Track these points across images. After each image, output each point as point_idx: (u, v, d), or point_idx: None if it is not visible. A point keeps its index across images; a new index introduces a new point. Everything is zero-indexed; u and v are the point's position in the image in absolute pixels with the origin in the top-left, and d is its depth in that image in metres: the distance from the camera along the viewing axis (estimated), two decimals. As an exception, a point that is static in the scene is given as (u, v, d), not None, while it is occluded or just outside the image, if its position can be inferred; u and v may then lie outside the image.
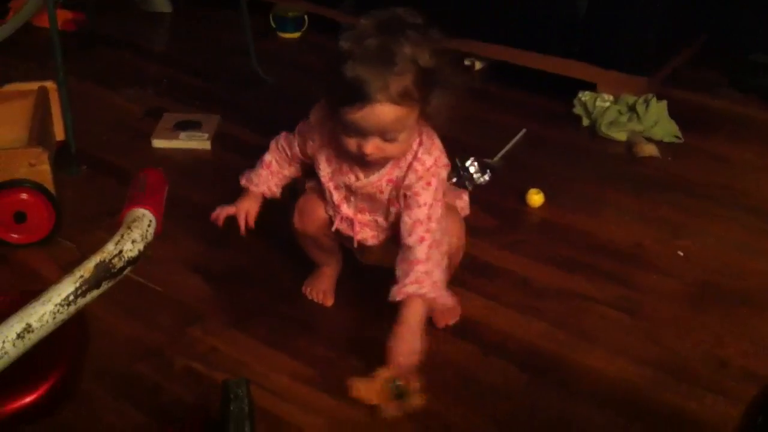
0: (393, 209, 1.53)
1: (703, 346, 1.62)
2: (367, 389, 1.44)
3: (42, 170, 1.81)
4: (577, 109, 2.48)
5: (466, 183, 2.08)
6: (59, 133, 2.15)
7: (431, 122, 1.46)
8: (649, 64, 2.48)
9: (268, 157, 1.63)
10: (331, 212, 1.58)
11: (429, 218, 1.47)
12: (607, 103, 2.43)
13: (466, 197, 1.67)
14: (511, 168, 2.20)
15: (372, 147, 1.38)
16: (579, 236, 1.94)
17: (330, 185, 1.54)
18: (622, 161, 2.28)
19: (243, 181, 1.64)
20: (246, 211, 1.62)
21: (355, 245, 1.59)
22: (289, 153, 1.61)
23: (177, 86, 2.67)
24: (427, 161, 1.46)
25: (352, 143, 1.40)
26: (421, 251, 1.47)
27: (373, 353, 1.56)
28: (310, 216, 1.61)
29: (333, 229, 1.58)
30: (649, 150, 2.28)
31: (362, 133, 1.37)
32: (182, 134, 2.31)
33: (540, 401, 1.49)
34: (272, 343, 1.60)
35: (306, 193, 1.63)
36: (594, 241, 1.93)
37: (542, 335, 1.64)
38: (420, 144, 1.46)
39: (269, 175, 1.63)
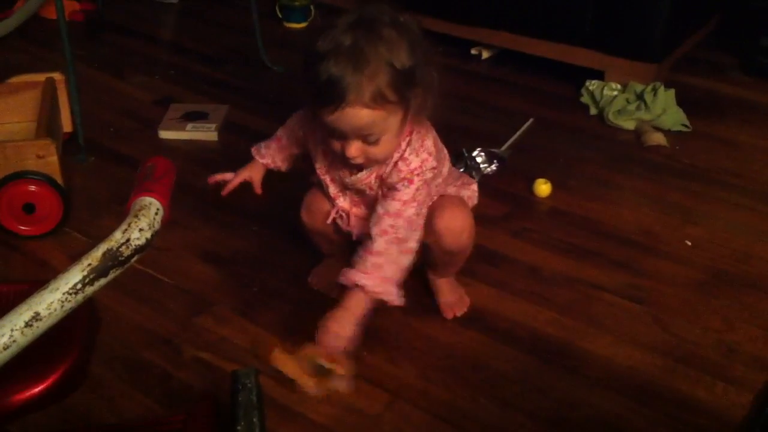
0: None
1: (712, 332, 1.62)
2: (288, 362, 1.41)
3: (50, 162, 1.82)
4: (585, 98, 2.47)
5: (473, 173, 2.07)
6: (67, 124, 2.15)
7: (418, 121, 1.43)
8: (657, 50, 2.47)
9: (280, 131, 1.64)
10: (328, 205, 1.58)
11: (398, 214, 1.43)
12: (615, 92, 2.43)
13: (474, 187, 1.66)
14: (520, 155, 2.20)
15: (354, 150, 1.35)
16: (587, 223, 1.94)
17: (326, 178, 1.53)
18: (630, 148, 2.27)
19: (252, 150, 1.66)
20: (245, 178, 1.63)
21: (354, 238, 1.59)
22: (296, 134, 1.60)
23: (185, 75, 2.67)
24: (413, 162, 1.43)
25: (336, 145, 1.38)
26: (379, 243, 1.43)
27: (380, 341, 1.56)
28: (316, 210, 1.61)
29: (329, 221, 1.58)
30: (657, 139, 2.27)
31: (342, 135, 1.35)
32: (189, 125, 2.31)
33: (548, 386, 1.50)
34: (281, 332, 1.61)
35: (312, 188, 1.63)
36: (602, 229, 1.92)
37: (551, 323, 1.64)
38: (408, 144, 1.43)
39: (277, 149, 1.63)
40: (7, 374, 0.85)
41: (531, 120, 2.35)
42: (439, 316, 1.65)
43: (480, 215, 1.80)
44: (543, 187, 2.03)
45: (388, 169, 1.44)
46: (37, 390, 0.95)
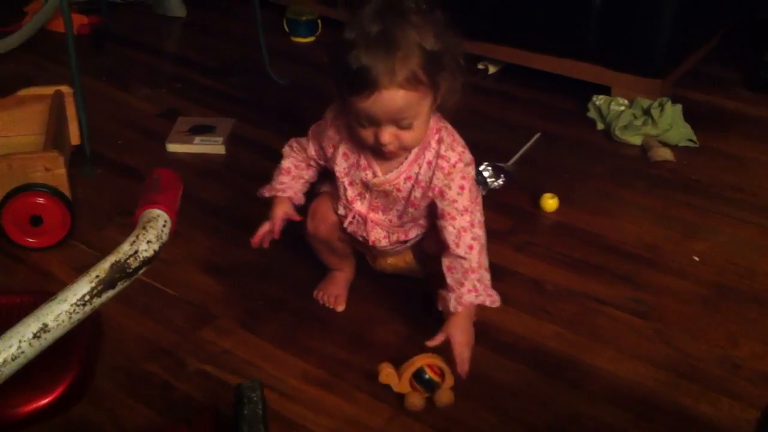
0: (411, 209, 1.53)
1: (716, 347, 1.62)
2: (395, 378, 1.45)
3: (58, 174, 1.83)
4: (591, 113, 2.48)
5: (480, 188, 2.07)
6: (74, 136, 2.16)
7: (444, 109, 1.45)
8: (663, 66, 2.47)
9: (285, 163, 1.61)
10: (342, 211, 1.58)
11: (472, 224, 1.48)
12: (622, 107, 2.43)
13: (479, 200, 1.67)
14: (525, 169, 2.20)
15: (388, 135, 1.37)
16: (592, 238, 1.94)
17: (345, 181, 1.53)
18: (636, 163, 2.27)
19: (267, 192, 1.62)
20: (281, 217, 1.59)
21: (370, 244, 1.60)
22: (304, 155, 1.60)
23: (191, 88, 2.68)
24: (452, 157, 1.46)
25: (368, 134, 1.39)
26: (473, 259, 1.47)
27: (382, 354, 1.56)
28: (322, 219, 1.61)
29: (345, 225, 1.58)
30: (664, 154, 2.27)
31: (376, 122, 1.36)
32: (196, 138, 2.32)
33: (551, 400, 1.50)
34: (283, 345, 1.61)
35: (318, 196, 1.64)
36: (607, 243, 1.92)
37: (554, 337, 1.64)
38: (440, 141, 1.46)
39: (291, 180, 1.61)
40: (14, 385, 0.85)
41: (538, 134, 2.35)
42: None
43: (485, 229, 1.81)
44: (550, 202, 2.03)
45: (422, 170, 1.46)
46: (43, 402, 0.95)
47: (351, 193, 1.54)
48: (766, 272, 1.83)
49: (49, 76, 2.56)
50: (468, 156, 1.49)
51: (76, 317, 0.81)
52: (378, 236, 1.58)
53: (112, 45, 3.00)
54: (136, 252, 0.83)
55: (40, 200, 1.83)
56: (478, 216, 1.50)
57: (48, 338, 0.81)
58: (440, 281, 1.65)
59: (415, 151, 1.47)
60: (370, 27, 1.32)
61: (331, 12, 2.99)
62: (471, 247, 1.47)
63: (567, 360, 1.58)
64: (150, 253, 0.84)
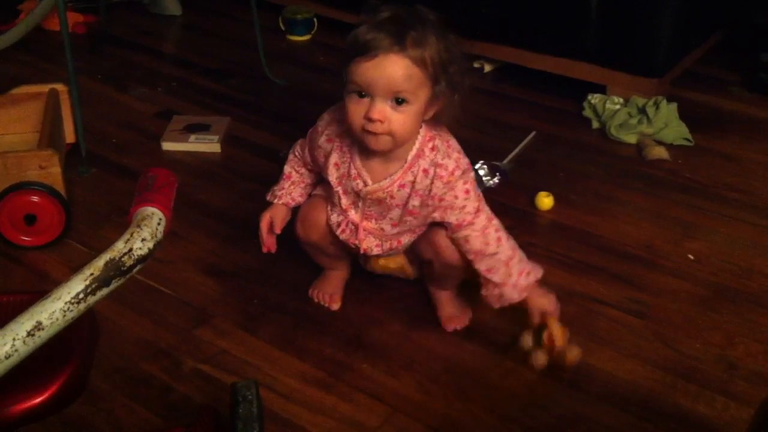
0: (409, 218, 1.52)
1: (713, 347, 1.61)
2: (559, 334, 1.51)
3: (53, 173, 1.82)
4: (587, 112, 2.48)
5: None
6: (70, 135, 2.16)
7: (439, 121, 1.45)
8: (659, 65, 2.47)
9: (287, 168, 1.64)
10: (336, 218, 1.57)
11: (490, 219, 1.51)
12: (617, 106, 2.43)
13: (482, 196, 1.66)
14: (521, 169, 2.20)
15: (378, 112, 1.35)
16: (589, 238, 1.94)
17: (339, 189, 1.53)
18: (632, 162, 2.28)
19: (268, 197, 1.64)
20: (267, 220, 1.61)
21: (361, 252, 1.59)
22: (305, 157, 1.61)
23: (187, 87, 2.68)
24: (449, 165, 1.45)
25: (358, 110, 1.37)
26: (506, 249, 1.51)
27: (380, 354, 1.56)
28: (312, 224, 1.61)
29: (338, 233, 1.58)
30: (659, 153, 2.27)
31: (372, 90, 1.34)
32: (192, 137, 2.32)
33: (548, 401, 1.49)
34: (281, 345, 1.61)
35: (309, 200, 1.63)
36: (603, 243, 1.92)
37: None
38: (434, 149, 1.45)
39: (291, 186, 1.63)
40: (7, 385, 0.84)
41: (533, 133, 2.35)
42: (439, 330, 1.65)
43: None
44: (545, 200, 2.03)
45: (424, 179, 1.45)
46: (36, 401, 0.94)
47: (345, 201, 1.54)
48: (763, 272, 1.83)
49: (44, 74, 2.56)
50: (465, 161, 1.49)
51: (70, 315, 0.81)
52: (370, 245, 1.58)
53: (108, 44, 3.00)
54: (130, 250, 0.83)
55: (35, 199, 1.82)
56: (488, 209, 1.52)
57: (42, 336, 0.80)
58: (435, 282, 1.65)
59: (409, 158, 1.45)
60: (388, 13, 1.35)
61: (327, 11, 2.99)
62: (499, 240, 1.51)
63: (564, 360, 1.58)
64: (144, 251, 0.84)
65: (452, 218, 1.49)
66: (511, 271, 1.51)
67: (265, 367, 1.55)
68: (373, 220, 1.55)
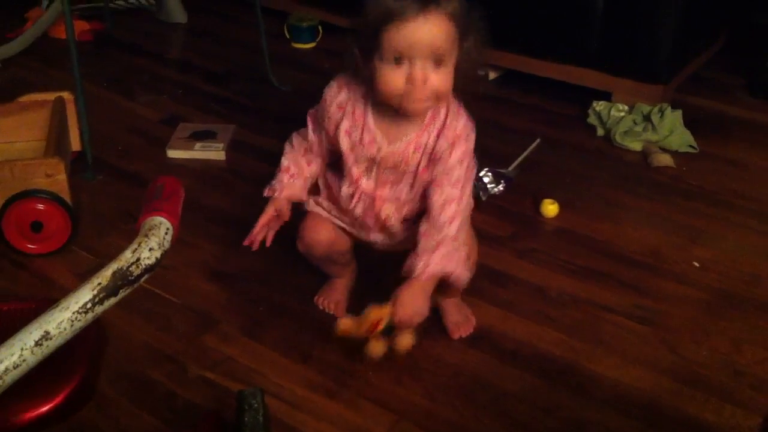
0: (420, 180, 1.50)
1: (719, 354, 1.61)
2: (356, 323, 1.48)
3: (59, 180, 1.83)
4: (592, 119, 2.48)
5: (480, 193, 2.08)
6: (76, 143, 2.16)
7: (457, 86, 1.43)
8: (663, 72, 2.47)
9: (284, 162, 1.58)
10: (347, 189, 1.53)
11: (460, 199, 1.47)
12: (622, 113, 2.43)
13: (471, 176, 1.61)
14: (526, 175, 2.20)
15: (421, 72, 1.33)
16: (594, 244, 1.94)
17: (350, 158, 1.50)
18: (637, 168, 2.27)
19: (266, 192, 1.59)
20: (270, 215, 1.54)
21: (380, 220, 1.55)
22: (303, 148, 1.57)
23: (192, 94, 2.68)
24: (457, 126, 1.45)
25: (397, 77, 1.34)
26: (452, 229, 1.47)
27: (385, 361, 1.56)
28: (312, 242, 1.60)
29: (351, 207, 1.54)
30: (665, 160, 2.27)
31: (411, 54, 1.32)
32: (197, 144, 2.32)
33: (554, 407, 1.49)
34: (286, 351, 1.61)
35: (308, 218, 1.61)
36: (609, 249, 1.92)
37: (557, 344, 1.64)
38: (447, 111, 1.45)
39: (290, 179, 1.56)
40: (15, 393, 0.85)
41: (538, 140, 2.35)
42: (445, 336, 1.65)
43: (486, 235, 1.81)
44: (550, 208, 2.03)
45: (430, 138, 1.45)
46: (44, 409, 0.95)
47: (356, 171, 1.50)
48: (770, 278, 1.83)
49: (51, 82, 2.56)
50: (471, 125, 1.48)
51: (78, 325, 0.81)
52: (389, 212, 1.54)
53: (114, 51, 3.01)
54: (138, 259, 0.83)
55: (41, 206, 1.82)
56: (468, 193, 1.50)
57: (50, 346, 0.81)
58: (439, 289, 1.64)
59: (426, 119, 1.45)
60: None
61: (332, 18, 3.00)
62: (452, 220, 1.47)
63: (571, 367, 1.58)
64: (152, 260, 0.84)
65: (436, 171, 1.47)
66: (437, 249, 1.46)
67: (271, 374, 1.55)
68: (389, 187, 1.52)
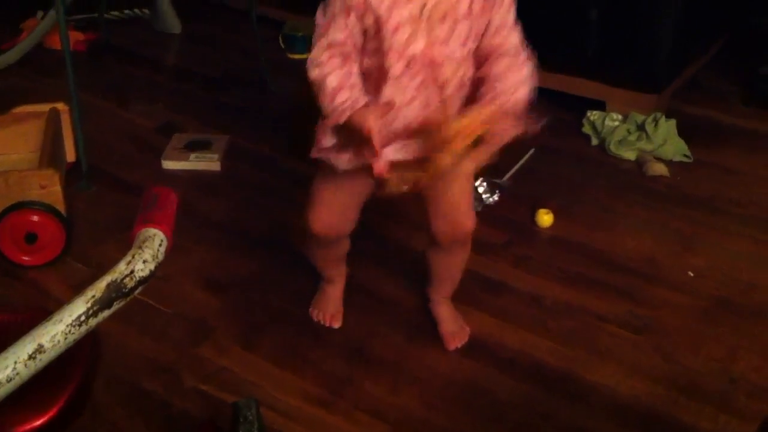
0: (475, 29, 1.38)
1: (714, 362, 1.61)
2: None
3: (53, 192, 1.83)
4: (586, 128, 2.48)
5: (475, 203, 2.07)
6: (71, 153, 2.16)
7: None
8: (658, 81, 2.48)
9: (331, 81, 1.33)
10: (397, 64, 1.35)
11: (520, 48, 1.42)
12: (616, 123, 2.43)
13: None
14: (521, 183, 2.20)
15: None
16: (589, 252, 1.94)
17: (391, 25, 1.32)
18: (632, 177, 2.28)
19: (333, 122, 1.36)
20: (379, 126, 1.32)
21: (438, 85, 1.39)
22: (339, 54, 1.35)
23: (188, 102, 2.68)
24: None
25: None
26: (523, 55, 1.41)
27: (381, 371, 1.56)
28: (329, 212, 1.52)
29: (406, 83, 1.37)
30: (659, 169, 2.27)
31: None
32: (192, 155, 2.32)
33: (550, 415, 1.49)
34: (281, 361, 1.60)
35: (312, 196, 1.53)
36: (604, 257, 1.92)
37: (552, 352, 1.64)
38: None
39: (350, 91, 1.33)
40: (8, 406, 0.84)
41: (532, 150, 2.35)
42: (440, 346, 1.65)
43: (481, 243, 1.81)
44: (545, 218, 2.03)
45: None
46: (38, 423, 0.94)
47: (401, 36, 1.33)
48: (764, 286, 1.83)
49: (46, 92, 2.56)
50: None
51: (72, 338, 0.81)
52: (451, 69, 1.38)
53: (109, 60, 3.00)
54: (132, 272, 0.83)
55: (35, 218, 1.82)
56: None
57: (43, 359, 0.80)
58: (435, 280, 1.62)
59: None
60: None
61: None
62: (525, 64, 1.41)
63: (566, 375, 1.58)
64: (146, 272, 0.84)
65: (496, 19, 1.39)
66: (519, 86, 1.39)
67: (266, 384, 1.55)
68: (441, 44, 1.36)
